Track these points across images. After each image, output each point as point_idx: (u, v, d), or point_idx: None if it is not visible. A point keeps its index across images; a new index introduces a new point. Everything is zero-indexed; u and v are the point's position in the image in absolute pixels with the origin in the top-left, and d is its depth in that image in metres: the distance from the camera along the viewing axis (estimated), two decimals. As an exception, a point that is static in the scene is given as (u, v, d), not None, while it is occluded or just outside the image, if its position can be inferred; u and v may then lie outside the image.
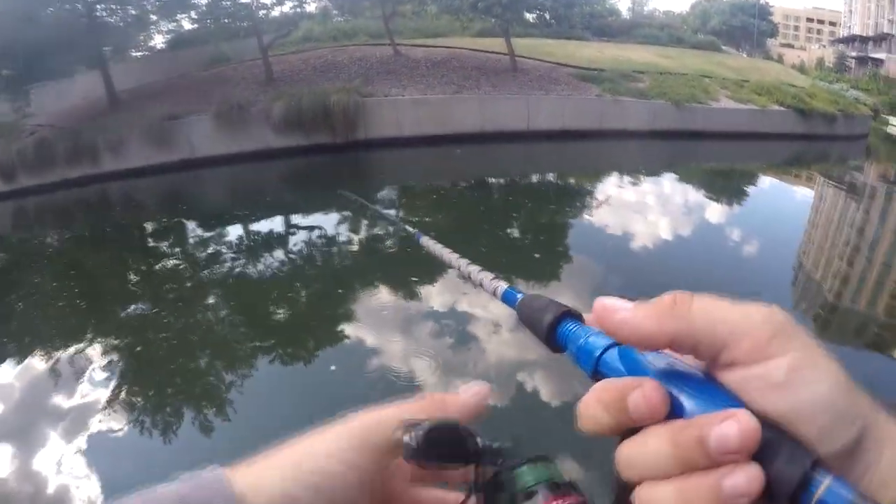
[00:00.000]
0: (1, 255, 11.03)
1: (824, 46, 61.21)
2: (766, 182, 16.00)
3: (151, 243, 10.40)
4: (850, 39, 57.45)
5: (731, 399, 0.29)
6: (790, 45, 61.22)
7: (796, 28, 71.18)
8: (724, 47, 32.22)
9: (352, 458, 0.38)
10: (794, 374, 0.29)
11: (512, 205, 11.85)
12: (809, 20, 72.23)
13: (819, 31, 69.72)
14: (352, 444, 0.39)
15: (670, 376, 0.31)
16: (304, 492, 0.36)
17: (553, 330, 0.40)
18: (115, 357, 5.44)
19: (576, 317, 0.41)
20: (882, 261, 10.11)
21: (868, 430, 0.30)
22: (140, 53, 21.12)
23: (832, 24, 67.67)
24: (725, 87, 21.24)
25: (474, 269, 0.58)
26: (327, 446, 0.39)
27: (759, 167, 17.43)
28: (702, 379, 0.31)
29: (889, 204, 15.21)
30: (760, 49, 42.64)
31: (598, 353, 0.35)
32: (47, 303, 7.39)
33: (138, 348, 5.66)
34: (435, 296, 6.62)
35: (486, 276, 0.55)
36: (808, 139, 21.03)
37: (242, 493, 0.35)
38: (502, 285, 0.51)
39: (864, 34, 55.44)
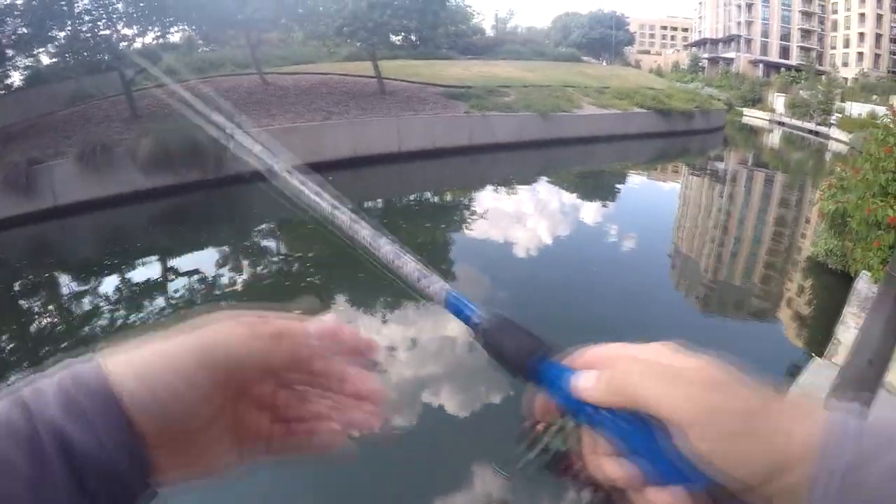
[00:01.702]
0: None
1: (678, 51, 66.25)
2: (635, 179, 17.15)
3: (22, 304, 9.76)
4: (701, 42, 62.40)
5: (684, 468, 0.37)
6: (647, 52, 65.82)
7: (651, 36, 76.24)
8: (585, 58, 34.10)
9: (193, 377, 0.39)
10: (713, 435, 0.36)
11: (387, 226, 11.94)
12: (664, 28, 77.63)
13: (673, 38, 75.12)
14: (193, 361, 0.39)
15: (633, 438, 0.39)
16: (163, 391, 0.38)
17: (532, 367, 0.43)
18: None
19: (551, 351, 0.44)
20: (750, 235, 11.27)
21: (781, 462, 0.35)
22: (-2, 92, 19.67)
23: (685, 29, 73.08)
24: (588, 95, 22.68)
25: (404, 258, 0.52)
26: (173, 360, 0.39)
27: (626, 166, 18.63)
28: (657, 443, 0.38)
29: (750, 185, 16.78)
30: (619, 57, 45.36)
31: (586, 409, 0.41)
32: None
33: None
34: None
35: (418, 268, 0.50)
36: (670, 136, 22.81)
37: (113, 373, 0.37)
38: (443, 287, 0.48)
39: (715, 37, 60.29)
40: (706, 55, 59.76)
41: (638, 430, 0.38)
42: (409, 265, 0.50)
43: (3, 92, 20.22)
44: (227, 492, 3.96)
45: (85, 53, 17.07)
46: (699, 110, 25.14)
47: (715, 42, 60.02)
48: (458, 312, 0.47)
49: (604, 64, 37.07)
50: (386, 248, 0.53)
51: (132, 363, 0.39)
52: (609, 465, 0.40)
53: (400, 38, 20.50)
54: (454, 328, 6.43)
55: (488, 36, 34.18)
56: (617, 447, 0.40)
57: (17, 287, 10.30)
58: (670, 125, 23.13)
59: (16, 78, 21.03)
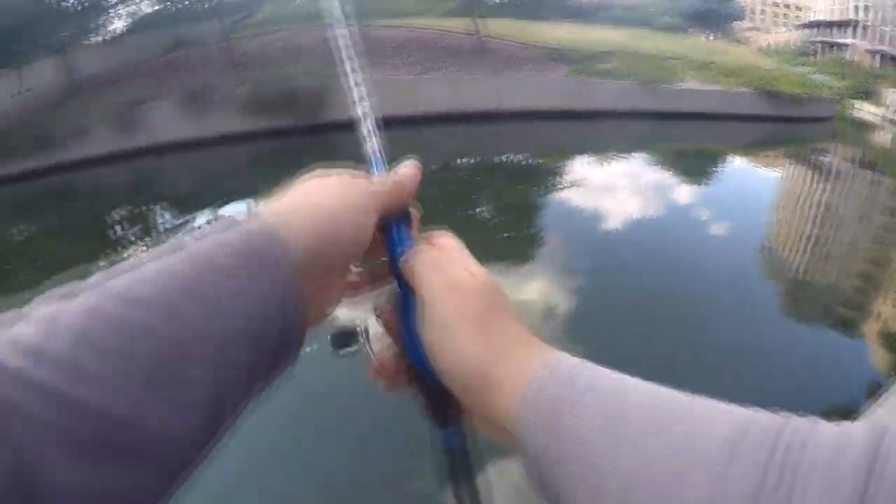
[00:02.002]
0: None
1: (791, 31, 62.12)
2: (734, 162, 16.18)
3: (120, 232, 10.19)
4: (816, 24, 58.37)
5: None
6: (757, 29, 61.87)
7: (763, 12, 71.84)
8: (691, 30, 32.50)
9: (361, 220, 0.42)
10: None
11: (480, 183, 11.80)
12: (776, 4, 73.00)
13: (786, 16, 70.51)
14: (360, 206, 0.42)
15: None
16: (331, 244, 0.40)
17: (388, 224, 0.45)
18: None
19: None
20: (848, 240, 10.30)
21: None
22: (100, 38, 20.55)
23: (798, 8, 68.58)
24: (692, 69, 21.41)
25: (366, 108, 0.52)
26: (347, 205, 0.41)
27: (726, 148, 17.60)
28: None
29: (854, 185, 15.47)
30: (728, 32, 42.87)
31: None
32: (10, 298, 7.05)
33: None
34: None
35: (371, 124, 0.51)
36: (775, 121, 21.33)
37: (286, 237, 0.37)
38: (373, 148, 0.50)
39: (830, 19, 56.46)
40: (819, 39, 55.80)
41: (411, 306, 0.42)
42: (368, 126, 0.51)
43: (106, 37, 21.11)
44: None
45: (185, 2, 17.51)
46: (808, 97, 23.33)
47: (829, 25, 55.93)
48: (371, 169, 0.50)
49: (711, 38, 35.31)
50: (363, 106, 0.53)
51: (295, 212, 0.40)
52: (388, 319, 0.44)
53: (502, -5, 20.07)
54: (530, 297, 6.29)
55: (591, -1, 33.26)
56: (396, 310, 0.43)
57: (115, 216, 10.70)
58: (776, 109, 21.51)
59: (119, 25, 21.92)
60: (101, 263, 8.32)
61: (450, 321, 0.38)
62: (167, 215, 10.56)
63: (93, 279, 0.31)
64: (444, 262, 0.41)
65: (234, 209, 0.37)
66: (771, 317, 6.58)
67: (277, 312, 0.35)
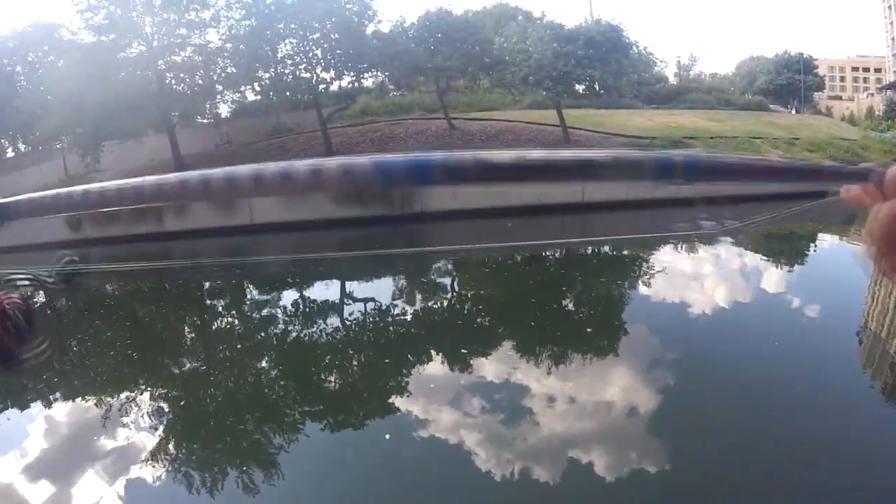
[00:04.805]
0: (61, 301, 11.49)
1: (872, 94, 59.78)
2: (825, 241, 15.64)
3: (208, 302, 10.73)
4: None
5: None
6: (838, 97, 59.67)
7: (842, 79, 69.58)
8: (772, 105, 31.90)
9: None
10: None
11: (564, 277, 11.87)
12: (854, 69, 70.56)
13: (865, 80, 68.13)
14: None
15: None
16: None
17: None
18: (163, 408, 5.48)
19: None
20: None
21: None
22: (206, 120, 22.09)
23: (878, 70, 66.27)
24: (777, 147, 21.10)
25: None
26: None
27: (817, 227, 17.07)
28: None
29: None
30: (809, 104, 41.61)
31: None
32: (101, 350, 7.71)
33: (182, 402, 5.74)
34: (486, 367, 6.56)
35: None
36: (867, 193, 20.56)
37: None
38: None
39: (912, 76, 54.20)
40: (902, 98, 53.40)
41: None
42: None
43: (212, 120, 22.71)
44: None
45: (286, 93, 18.69)
46: (896, 163, 22.55)
47: (912, 82, 53.67)
48: None
49: (792, 112, 34.53)
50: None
51: None
52: None
53: (584, 86, 20.37)
54: (613, 392, 5.99)
55: (671, 84, 32.96)
56: None
57: (207, 286, 11.26)
58: (867, 181, 20.92)
59: (224, 110, 23.65)
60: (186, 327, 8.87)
61: None
62: (255, 291, 11.00)
63: None
64: None
65: None
66: (870, 408, 5.98)
67: None
